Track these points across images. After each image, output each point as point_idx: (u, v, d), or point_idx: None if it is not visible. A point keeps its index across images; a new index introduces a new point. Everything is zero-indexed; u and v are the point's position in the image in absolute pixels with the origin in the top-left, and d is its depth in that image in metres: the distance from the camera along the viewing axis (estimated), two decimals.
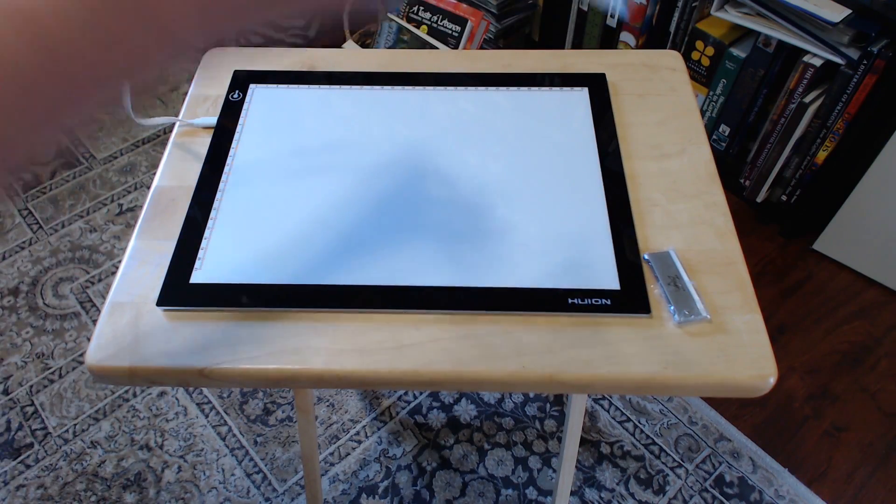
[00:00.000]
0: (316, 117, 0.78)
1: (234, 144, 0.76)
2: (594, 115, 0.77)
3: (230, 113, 0.79)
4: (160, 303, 0.63)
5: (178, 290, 0.64)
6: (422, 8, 1.52)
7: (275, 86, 0.82)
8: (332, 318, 0.62)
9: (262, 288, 0.64)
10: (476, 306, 0.62)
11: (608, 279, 0.63)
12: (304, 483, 1.16)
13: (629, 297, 0.62)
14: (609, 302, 0.62)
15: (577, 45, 1.72)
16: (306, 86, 0.82)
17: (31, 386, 1.29)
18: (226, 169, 0.73)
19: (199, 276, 0.65)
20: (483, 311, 0.62)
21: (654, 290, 0.63)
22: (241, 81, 0.83)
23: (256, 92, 0.81)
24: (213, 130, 0.77)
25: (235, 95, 0.81)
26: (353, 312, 0.62)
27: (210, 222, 0.69)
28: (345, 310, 0.62)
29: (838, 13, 1.21)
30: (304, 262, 0.65)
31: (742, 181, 1.53)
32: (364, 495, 1.16)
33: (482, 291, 0.63)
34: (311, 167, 0.73)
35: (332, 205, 0.70)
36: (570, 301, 0.62)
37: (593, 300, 0.62)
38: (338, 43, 1.98)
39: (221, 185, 0.72)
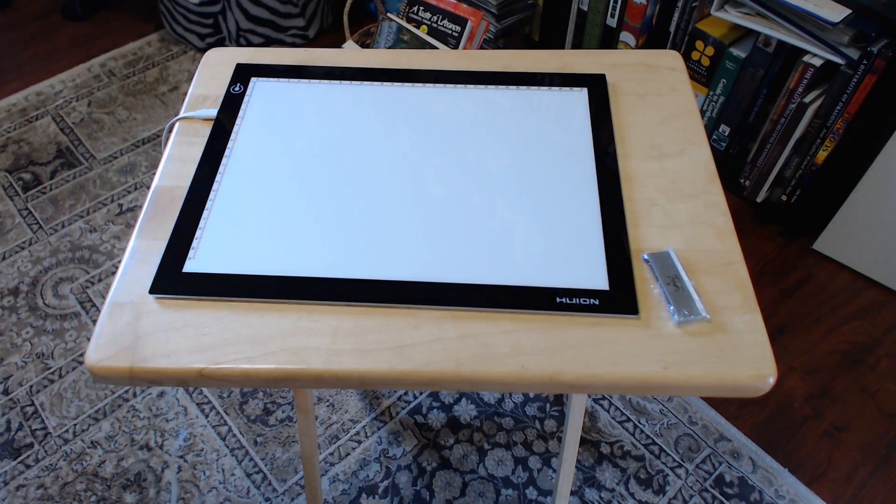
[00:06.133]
0: (316, 112, 0.78)
1: (233, 136, 0.76)
2: (592, 116, 0.77)
3: (231, 105, 0.79)
4: (153, 290, 0.63)
5: (171, 279, 0.64)
6: (422, 8, 1.52)
7: (276, 80, 0.82)
8: (328, 311, 0.62)
9: (256, 279, 0.64)
10: (466, 303, 0.62)
11: (597, 279, 0.63)
12: (304, 483, 1.16)
13: (617, 298, 0.62)
14: (597, 302, 0.62)
15: (577, 45, 1.72)
16: (307, 80, 0.82)
17: (31, 386, 1.29)
18: (224, 160, 0.74)
19: (192, 265, 0.65)
20: (472, 307, 0.62)
21: (654, 290, 0.63)
22: (243, 74, 0.83)
23: (258, 85, 0.81)
24: (213, 123, 0.78)
25: (237, 88, 0.81)
26: (345, 305, 0.62)
27: (206, 213, 0.69)
28: (337, 302, 0.62)
29: (838, 13, 1.21)
30: (298, 255, 0.66)
31: (742, 181, 1.53)
32: (364, 495, 1.16)
33: (473, 288, 0.63)
34: (309, 161, 0.73)
35: (330, 199, 0.70)
36: (558, 300, 0.62)
37: (581, 300, 0.62)
38: (338, 43, 1.98)
39: (218, 177, 0.72)
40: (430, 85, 0.81)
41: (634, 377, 0.58)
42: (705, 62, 1.44)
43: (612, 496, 1.15)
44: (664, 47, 1.54)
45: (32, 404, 1.27)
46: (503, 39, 1.76)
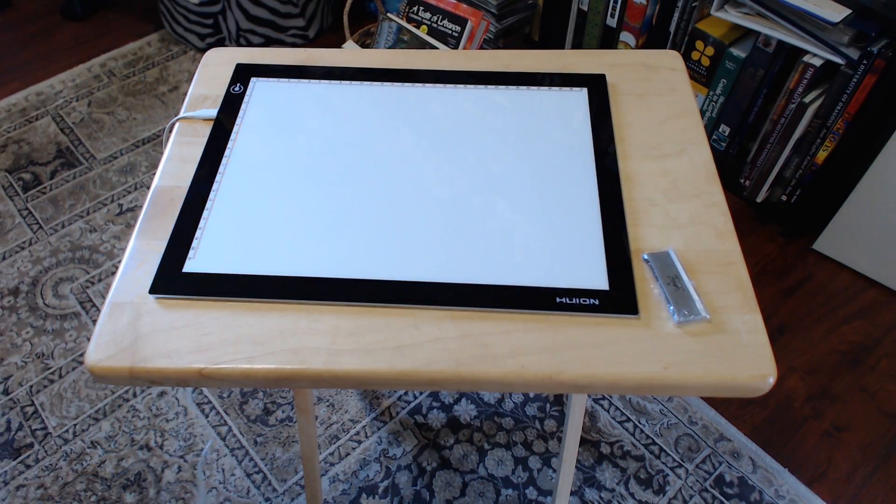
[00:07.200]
0: (316, 112, 0.78)
1: (233, 136, 0.76)
2: (592, 116, 0.77)
3: (231, 105, 0.79)
4: (153, 290, 0.63)
5: (171, 279, 0.64)
6: (422, 8, 1.52)
7: (276, 80, 0.82)
8: (328, 311, 0.62)
9: (256, 279, 0.64)
10: (466, 303, 0.62)
11: (597, 279, 0.63)
12: (304, 483, 1.16)
13: (617, 298, 0.62)
14: (597, 302, 0.62)
15: (577, 45, 1.72)
16: (307, 80, 0.82)
17: (31, 386, 1.29)
18: (224, 160, 0.74)
19: (192, 265, 0.65)
20: (472, 307, 0.62)
21: (654, 290, 0.63)
22: (243, 74, 0.83)
23: (258, 85, 0.81)
24: (213, 123, 0.78)
25: (237, 88, 0.81)
26: (345, 305, 0.62)
27: (206, 213, 0.69)
28: (337, 302, 0.62)
29: (838, 13, 1.21)
30: (298, 255, 0.66)
31: (742, 181, 1.53)
32: (364, 495, 1.16)
33: (473, 288, 0.63)
34: (309, 161, 0.73)
35: (330, 199, 0.70)
36: (558, 300, 0.62)
37: (581, 300, 0.62)
38: (338, 43, 1.98)
39: (218, 177, 0.72)
40: (430, 85, 0.81)
41: (634, 377, 0.58)
42: (705, 62, 1.44)
43: (612, 496, 1.15)
44: (664, 47, 1.54)
45: (32, 404, 1.27)
46: (503, 39, 1.76)
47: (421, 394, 1.28)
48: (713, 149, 1.54)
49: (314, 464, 1.03)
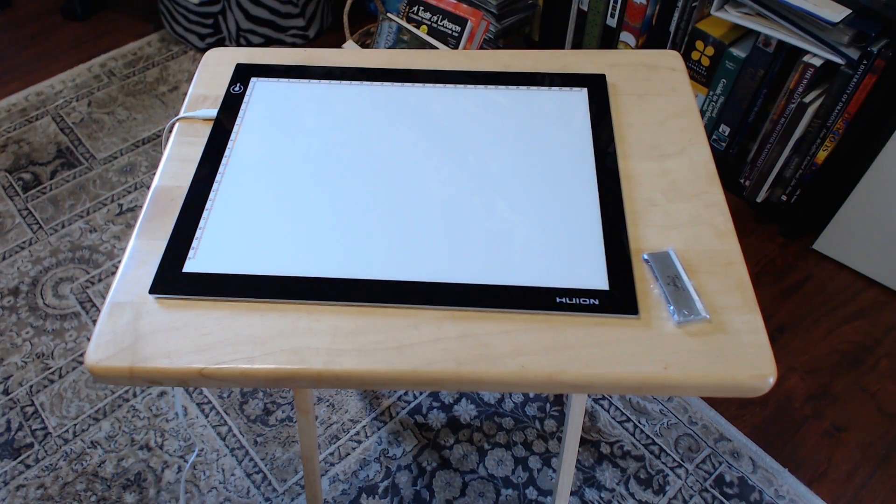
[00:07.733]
0: (316, 112, 0.78)
1: (233, 136, 0.76)
2: (592, 116, 0.77)
3: (231, 105, 0.79)
4: (153, 290, 0.63)
5: (171, 279, 0.64)
6: (422, 8, 1.52)
7: (276, 80, 0.82)
8: (328, 311, 0.62)
9: (256, 279, 0.64)
10: (466, 303, 0.62)
11: (597, 279, 0.63)
12: (304, 483, 1.16)
13: (617, 298, 0.62)
14: (597, 302, 0.62)
15: (577, 45, 1.72)
16: (307, 80, 0.82)
17: (31, 386, 1.29)
18: (224, 160, 0.74)
19: (192, 265, 0.65)
20: (472, 307, 0.62)
21: (654, 290, 0.63)
22: (243, 74, 0.83)
23: (258, 85, 0.81)
24: (213, 123, 0.78)
25: (237, 88, 0.81)
26: (345, 305, 0.62)
27: (206, 213, 0.69)
28: (337, 302, 0.62)
29: (838, 13, 1.21)
30: (298, 255, 0.66)
31: (742, 181, 1.53)
32: (364, 495, 1.16)
33: (473, 288, 0.63)
34: (309, 161, 0.73)
35: (329, 199, 0.70)
36: (558, 300, 0.62)
37: (581, 300, 0.62)
38: (338, 43, 1.98)
39: (218, 177, 0.72)
40: (430, 85, 0.81)
41: (634, 377, 0.58)
42: (705, 62, 1.44)
43: (612, 496, 1.15)
44: (664, 47, 1.54)
45: (32, 404, 1.27)
46: (503, 39, 1.76)
47: (421, 394, 1.28)
48: (713, 149, 1.54)
49: (314, 464, 1.03)
